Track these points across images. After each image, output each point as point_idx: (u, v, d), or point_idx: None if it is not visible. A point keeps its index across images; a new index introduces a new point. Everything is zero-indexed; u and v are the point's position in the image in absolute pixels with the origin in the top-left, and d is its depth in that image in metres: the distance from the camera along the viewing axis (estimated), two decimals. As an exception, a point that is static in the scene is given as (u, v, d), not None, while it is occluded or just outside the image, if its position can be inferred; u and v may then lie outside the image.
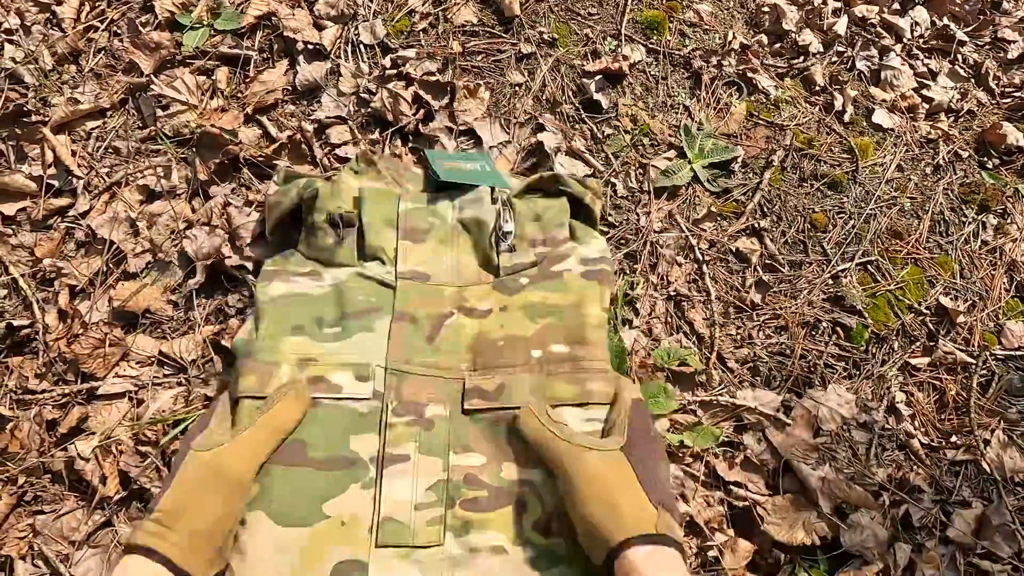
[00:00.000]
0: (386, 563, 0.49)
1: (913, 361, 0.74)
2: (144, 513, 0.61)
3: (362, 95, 0.78)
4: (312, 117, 0.77)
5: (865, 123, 0.85)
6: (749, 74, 0.85)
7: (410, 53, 0.79)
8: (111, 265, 0.70)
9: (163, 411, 0.65)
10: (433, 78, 0.77)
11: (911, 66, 0.90)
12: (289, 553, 0.48)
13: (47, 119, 0.74)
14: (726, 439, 0.69)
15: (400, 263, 0.62)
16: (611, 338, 0.67)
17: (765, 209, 0.79)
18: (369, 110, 0.76)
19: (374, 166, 0.70)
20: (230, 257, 0.70)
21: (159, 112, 0.75)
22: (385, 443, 0.53)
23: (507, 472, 0.53)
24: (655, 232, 0.76)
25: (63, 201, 0.73)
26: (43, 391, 0.66)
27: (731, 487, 0.67)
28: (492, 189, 0.66)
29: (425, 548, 0.50)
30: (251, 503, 0.50)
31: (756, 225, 0.78)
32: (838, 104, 0.85)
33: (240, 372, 0.56)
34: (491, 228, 0.64)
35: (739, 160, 0.80)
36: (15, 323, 0.66)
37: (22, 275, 0.69)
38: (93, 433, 0.65)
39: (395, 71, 0.78)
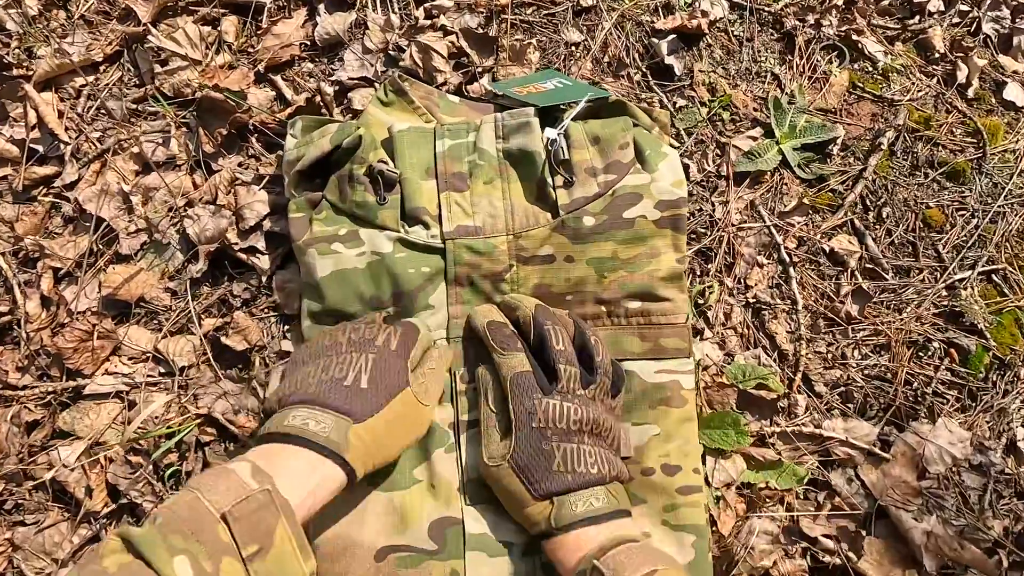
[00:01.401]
0: (478, 516, 0.52)
1: (1041, 393, 0.63)
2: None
3: (391, 52, 0.67)
4: (333, 77, 0.67)
5: (994, 99, 0.72)
6: (853, 36, 0.72)
7: (448, 2, 0.68)
8: (101, 245, 0.62)
9: (156, 418, 0.57)
10: (476, 32, 0.66)
11: (1051, 30, 0.76)
12: (393, 515, 0.51)
13: (31, 73, 0.65)
14: (810, 477, 0.59)
15: (445, 222, 0.57)
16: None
17: (868, 202, 0.67)
18: (398, 69, 0.66)
19: (404, 95, 0.63)
20: (236, 243, 0.61)
21: (157, 68, 0.65)
22: (458, 411, 0.54)
23: None
24: (733, 226, 0.64)
25: (48, 170, 0.64)
26: (24, 387, 0.59)
27: (817, 540, 0.57)
28: (537, 111, 0.58)
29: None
30: None
31: (856, 221, 0.66)
32: (961, 76, 0.71)
33: None
34: (543, 159, 0.57)
35: (838, 142, 0.68)
36: (-8, 310, 0.59)
37: (1, 253, 0.62)
38: (79, 438, 0.58)
39: (429, 22, 0.67)
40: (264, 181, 0.63)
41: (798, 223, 0.66)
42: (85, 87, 0.66)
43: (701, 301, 0.63)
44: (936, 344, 0.63)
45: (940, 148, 0.69)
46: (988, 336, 0.63)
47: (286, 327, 0.60)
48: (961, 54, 0.73)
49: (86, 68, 0.66)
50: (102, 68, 0.67)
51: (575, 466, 0.48)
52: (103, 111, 0.66)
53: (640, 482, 0.54)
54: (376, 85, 0.66)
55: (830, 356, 0.62)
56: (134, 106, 0.66)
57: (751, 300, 0.63)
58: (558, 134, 0.56)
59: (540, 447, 0.48)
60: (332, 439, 0.43)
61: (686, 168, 0.66)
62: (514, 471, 0.48)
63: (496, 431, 0.50)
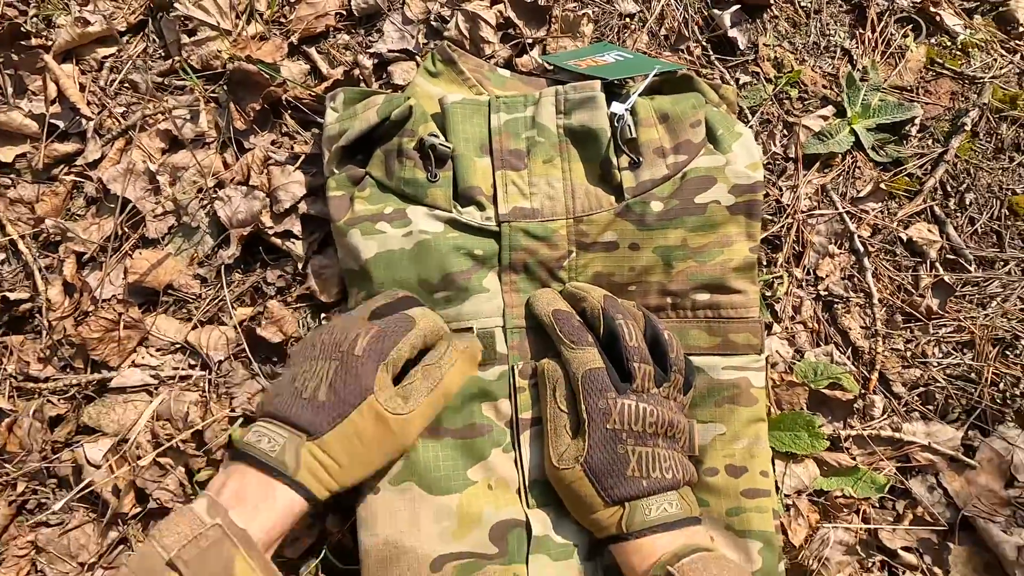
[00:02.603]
0: (543, 518, 0.49)
1: None
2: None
3: (433, 23, 0.63)
4: (371, 50, 0.63)
5: (1083, 77, 0.67)
6: (929, 8, 0.67)
7: (496, -30, 0.64)
8: (126, 228, 0.59)
9: (186, 416, 0.54)
10: (526, 0, 0.62)
11: None
12: (448, 519, 0.49)
13: (50, 44, 0.61)
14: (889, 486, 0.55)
15: (501, 203, 0.53)
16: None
17: (949, 188, 0.62)
18: (442, 42, 0.62)
19: (454, 65, 0.59)
20: (270, 226, 0.57)
21: (184, 39, 0.61)
22: (517, 408, 0.51)
23: None
24: (802, 212, 0.60)
25: (69, 147, 0.61)
26: (46, 379, 0.56)
27: (897, 552, 0.53)
28: (604, 86, 0.54)
29: None
30: (397, 476, 0.49)
31: (936, 208, 0.61)
32: (1047, 51, 0.66)
33: None
34: (608, 138, 0.52)
35: (916, 122, 0.63)
36: (12, 296, 0.56)
37: (21, 236, 0.58)
38: (105, 435, 0.54)
39: (476, -8, 0.63)
40: (300, 161, 0.59)
41: (873, 210, 0.61)
42: (108, 59, 0.63)
43: (768, 293, 0.59)
44: (1024, 342, 0.59)
45: (1027, 130, 0.64)
46: (1081, 334, 0.59)
47: (323, 316, 0.56)
48: (1047, 28, 0.68)
49: (109, 39, 0.63)
50: (126, 38, 0.63)
51: (650, 471, 0.45)
52: (127, 85, 0.62)
53: (701, 483, 0.50)
54: (418, 58, 0.62)
55: (909, 354, 0.58)
56: (160, 79, 0.62)
57: (822, 292, 0.59)
58: (625, 110, 0.52)
59: (615, 451, 0.45)
60: (281, 458, 0.41)
61: (751, 150, 0.62)
62: (586, 475, 0.45)
63: (566, 431, 0.47)
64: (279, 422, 0.42)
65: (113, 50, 0.63)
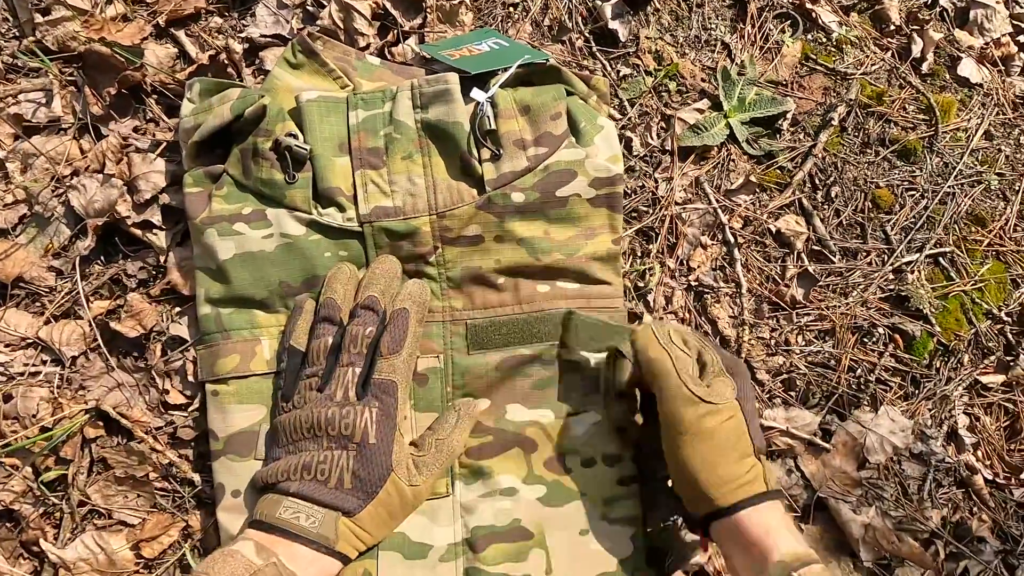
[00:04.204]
0: None
1: (984, 379, 0.62)
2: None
3: (309, 7, 0.62)
4: (243, 34, 0.61)
5: (948, 75, 0.70)
6: (808, 5, 0.69)
7: (373, -46, 0.63)
8: (-29, 219, 0.56)
9: (33, 415, 0.52)
10: (401, -11, 0.61)
11: (1008, 4, 0.74)
12: None
13: None
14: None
15: (361, 204, 0.53)
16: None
17: (817, 181, 0.65)
18: (316, 27, 0.61)
19: (316, 56, 0.58)
20: (129, 216, 0.55)
21: (38, 18, 0.59)
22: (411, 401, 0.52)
23: (512, 414, 0.53)
24: (676, 204, 0.62)
25: (-92, 131, 0.57)
26: None
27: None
28: (460, 78, 0.54)
29: (434, 499, 0.51)
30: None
31: (804, 201, 0.64)
32: (916, 49, 0.70)
33: (216, 352, 0.52)
34: (466, 131, 0.53)
35: (789, 116, 0.65)
36: None
37: None
38: (-54, 435, 0.52)
39: (352, -23, 0.62)
40: (162, 148, 0.57)
41: (744, 202, 0.63)
42: (-47, 38, 0.59)
43: (641, 284, 0.60)
44: (881, 330, 0.62)
45: (892, 125, 0.67)
46: (933, 321, 0.62)
47: (176, 310, 0.55)
48: (917, 27, 0.71)
49: (-46, 16, 0.59)
50: (-26, 17, 0.60)
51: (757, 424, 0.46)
52: (-25, 66, 0.59)
53: (579, 473, 0.51)
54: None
55: (773, 342, 0.61)
56: (11, 60, 0.59)
57: (693, 283, 0.61)
58: (486, 99, 0.52)
59: (751, 391, 0.46)
60: (323, 534, 0.45)
61: (629, 141, 0.63)
62: (743, 413, 0.44)
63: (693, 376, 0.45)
64: (309, 502, 0.46)
65: (-40, 28, 0.60)
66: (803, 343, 0.61)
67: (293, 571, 0.43)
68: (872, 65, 0.69)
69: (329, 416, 0.47)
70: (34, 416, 0.53)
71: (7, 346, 0.55)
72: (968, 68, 0.71)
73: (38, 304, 0.56)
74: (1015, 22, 0.75)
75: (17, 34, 0.60)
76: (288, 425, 0.49)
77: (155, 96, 0.59)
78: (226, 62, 0.60)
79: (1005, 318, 0.64)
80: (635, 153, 0.63)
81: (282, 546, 0.44)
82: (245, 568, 0.41)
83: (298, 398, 0.50)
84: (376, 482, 0.47)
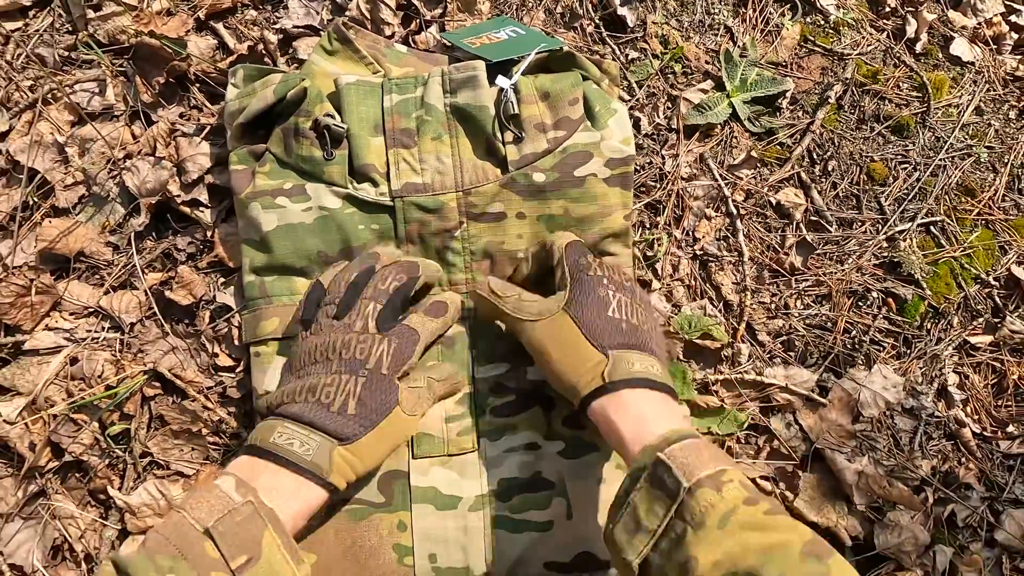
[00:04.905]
0: (424, 470, 0.55)
1: (973, 340, 0.67)
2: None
3: (338, 0, 0.67)
4: (277, 25, 0.66)
5: (941, 54, 0.74)
6: (806, -11, 0.73)
7: (396, -52, 0.67)
8: (36, 199, 0.62)
9: (98, 375, 0.57)
10: (423, -20, 0.66)
11: (1000, -14, 0.78)
12: None
13: (-47, 17, 0.63)
14: (751, 422, 0.62)
15: (393, 179, 0.57)
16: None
17: (815, 155, 0.69)
18: (345, 17, 0.65)
19: (350, 44, 0.62)
20: (179, 195, 0.61)
21: (90, 14, 0.64)
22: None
23: (532, 374, 0.57)
24: (682, 179, 0.66)
25: (-23, 119, 0.63)
26: (-39, 344, 0.59)
27: (755, 481, 0.60)
28: (488, 66, 0.59)
29: (460, 455, 0.55)
30: None
31: (803, 174, 0.68)
32: (910, 30, 0.73)
33: (259, 316, 0.57)
34: (492, 114, 0.57)
35: (788, 95, 0.69)
36: (-77, 264, 0.58)
37: (-69, 207, 0.60)
38: (20, 394, 0.58)
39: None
40: (206, 132, 0.62)
41: (746, 176, 0.68)
42: (15, 32, 0.65)
43: (650, 253, 0.65)
44: (875, 294, 0.66)
45: (886, 102, 0.71)
46: (924, 286, 0.66)
47: (222, 281, 0.61)
48: (911, 8, 0.75)
49: (14, 12, 0.65)
50: (32, 12, 0.66)
51: (629, 316, 0.49)
52: (34, 58, 0.65)
53: (593, 429, 0.56)
54: (322, 33, 0.66)
55: (773, 306, 0.65)
56: (67, 53, 0.65)
57: (698, 252, 0.66)
58: (510, 85, 0.56)
59: (596, 292, 0.49)
60: (316, 462, 0.44)
61: (637, 121, 0.67)
62: (572, 319, 0.48)
63: (530, 300, 0.52)
64: (307, 426, 0.45)
65: (19, 24, 0.65)
66: (801, 307, 0.66)
67: (271, 508, 0.42)
68: (868, 46, 0.73)
69: (346, 340, 0.48)
70: (99, 376, 0.58)
71: (71, 314, 0.61)
72: (960, 47, 0.74)
73: (97, 276, 0.62)
74: (1007, 2, 0.78)
75: (70, 29, 0.66)
76: (302, 350, 0.50)
77: (198, 84, 0.65)
78: (263, 52, 0.65)
79: (993, 282, 0.68)
80: (643, 132, 0.67)
81: (268, 474, 0.44)
82: (223, 505, 0.40)
83: (315, 326, 0.51)
84: (381, 411, 0.47)
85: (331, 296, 0.52)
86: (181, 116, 0.64)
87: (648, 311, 0.53)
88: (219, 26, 0.66)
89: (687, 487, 0.38)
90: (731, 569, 0.35)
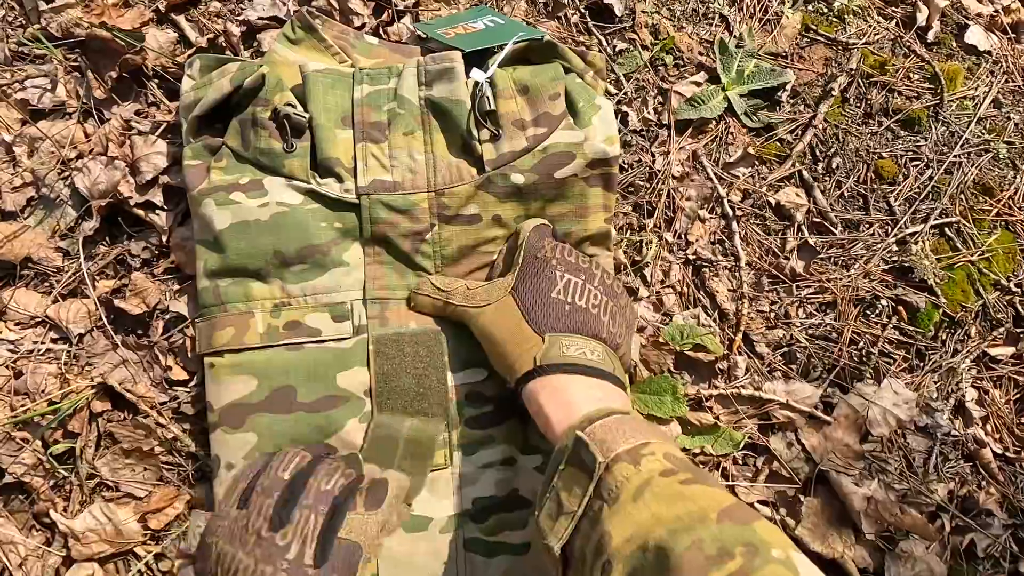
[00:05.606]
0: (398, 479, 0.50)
1: (993, 351, 0.61)
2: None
3: (305, -10, 0.63)
4: (241, 17, 0.62)
5: (955, 43, 0.69)
6: (808, -25, 0.68)
7: (367, -66, 0.64)
8: (-19, 201, 0.58)
9: (41, 390, 0.54)
10: (395, -32, 0.62)
11: (1019, -29, 0.72)
12: None
13: (-102, 10, 0.60)
14: (749, 442, 0.57)
15: (360, 176, 0.53)
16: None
17: (818, 152, 0.64)
18: (312, 8, 0.62)
19: (315, 32, 0.58)
20: (132, 197, 0.57)
21: (42, 5, 0.60)
22: (373, 376, 0.52)
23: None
24: (674, 178, 0.62)
25: (-80, 118, 0.60)
26: (-101, 357, 0.55)
27: (753, 506, 0.55)
28: (465, 58, 0.55)
29: (435, 471, 0.52)
30: (249, 453, 0.51)
31: (805, 173, 0.63)
32: (921, 18, 0.68)
33: (213, 325, 0.53)
34: (467, 110, 0.53)
35: (788, 88, 0.65)
36: None
37: None
38: (-40, 410, 0.54)
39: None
40: (162, 130, 0.59)
41: (743, 175, 0.63)
42: (-38, 27, 0.61)
43: (638, 258, 0.60)
44: (884, 302, 0.61)
45: (896, 95, 0.66)
46: (939, 293, 0.61)
47: (176, 288, 0.57)
48: (922, -5, 0.70)
49: (-37, 6, 0.61)
50: (-18, 6, 0.62)
51: (575, 298, 0.47)
52: (-17, 54, 0.61)
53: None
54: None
55: (773, 315, 0.60)
56: (17, 48, 0.61)
57: (691, 257, 0.61)
58: (485, 79, 0.52)
59: (543, 273, 0.48)
60: None
61: (625, 116, 0.63)
62: (515, 301, 0.47)
63: (476, 287, 0.51)
64: None
65: (-31, 18, 0.62)
66: (804, 316, 0.61)
67: None
68: (875, 34, 0.68)
69: (256, 545, 0.37)
70: (43, 391, 0.55)
71: (17, 324, 0.57)
72: (976, 36, 0.69)
73: (46, 284, 0.58)
74: (1026, -12, 0.73)
75: (23, 22, 0.62)
76: (222, 554, 0.38)
77: (156, 80, 0.61)
78: (224, 45, 0.61)
79: (1014, 289, 0.63)
80: (632, 128, 0.63)
81: None
82: None
83: (246, 512, 0.39)
84: None
85: (271, 482, 0.40)
86: (137, 113, 0.60)
87: (613, 297, 0.50)
88: (180, 18, 0.63)
89: (603, 463, 0.36)
90: (642, 542, 0.33)
